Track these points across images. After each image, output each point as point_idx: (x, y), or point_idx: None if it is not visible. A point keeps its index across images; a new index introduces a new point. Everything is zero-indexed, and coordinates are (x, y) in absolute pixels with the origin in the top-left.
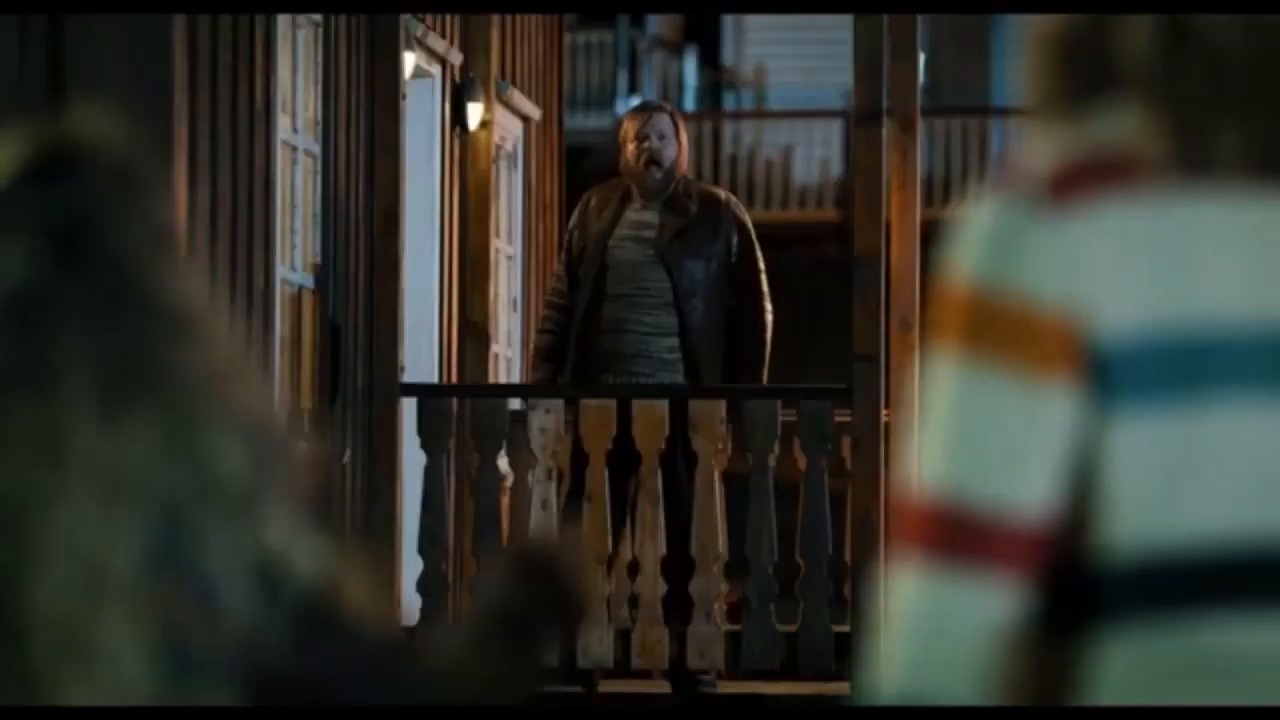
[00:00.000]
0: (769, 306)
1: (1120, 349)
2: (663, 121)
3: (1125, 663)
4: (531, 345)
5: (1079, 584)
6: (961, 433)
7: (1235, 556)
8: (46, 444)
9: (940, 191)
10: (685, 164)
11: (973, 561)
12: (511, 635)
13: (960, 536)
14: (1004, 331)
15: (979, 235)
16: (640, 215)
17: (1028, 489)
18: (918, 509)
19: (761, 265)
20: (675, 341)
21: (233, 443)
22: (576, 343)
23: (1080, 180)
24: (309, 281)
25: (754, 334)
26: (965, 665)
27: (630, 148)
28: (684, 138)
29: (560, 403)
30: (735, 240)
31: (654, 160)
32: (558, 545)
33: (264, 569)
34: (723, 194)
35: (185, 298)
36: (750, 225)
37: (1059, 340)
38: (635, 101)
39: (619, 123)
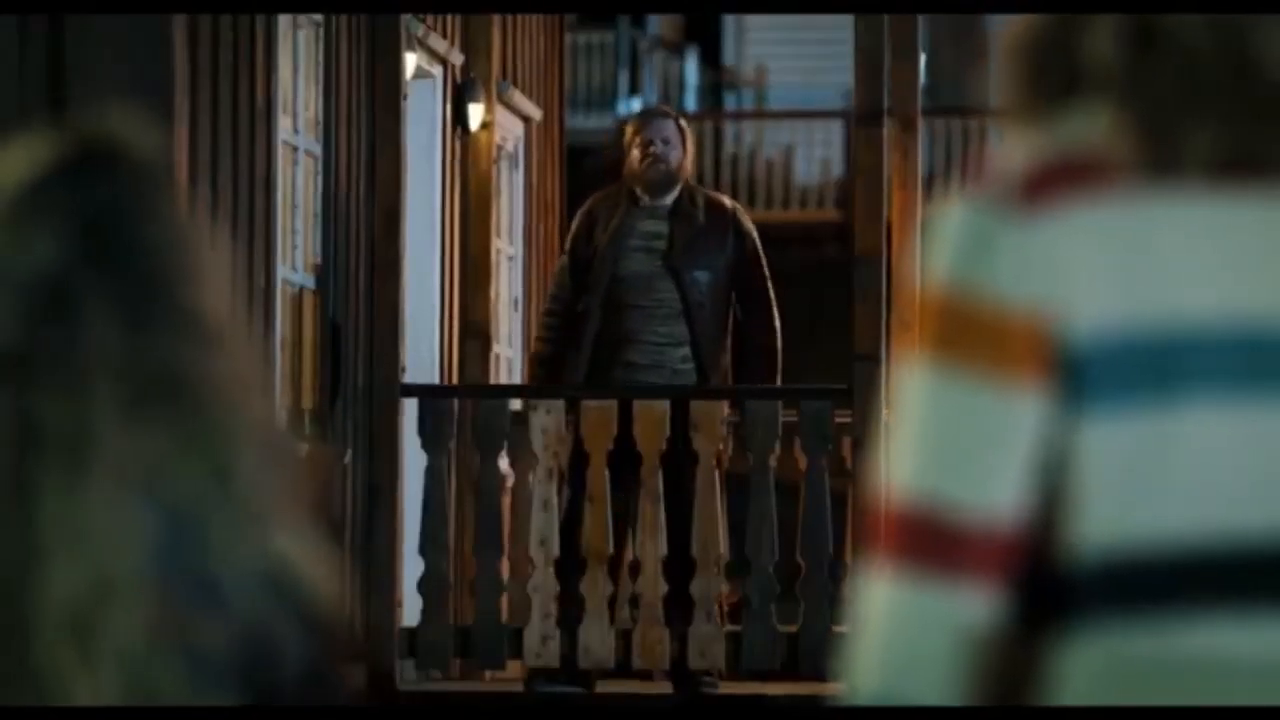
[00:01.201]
0: (776, 314)
1: (1092, 350)
2: (667, 126)
3: (1093, 662)
4: (531, 353)
5: (1048, 584)
6: (932, 437)
7: (1204, 556)
8: (67, 437)
9: (941, 191)
10: (689, 169)
11: (944, 567)
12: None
13: (931, 542)
14: (974, 335)
15: (951, 238)
16: (649, 225)
17: (998, 493)
18: (889, 514)
19: (767, 274)
20: (687, 351)
21: (248, 451)
22: (590, 353)
23: (1051, 182)
24: (310, 282)
25: (765, 345)
26: (937, 670)
27: (635, 152)
28: (689, 144)
29: (561, 403)
30: (742, 250)
31: (659, 162)
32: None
33: (270, 578)
34: (729, 202)
35: (209, 303)
36: (756, 235)
37: (1029, 342)
38: (636, 102)
39: (621, 128)
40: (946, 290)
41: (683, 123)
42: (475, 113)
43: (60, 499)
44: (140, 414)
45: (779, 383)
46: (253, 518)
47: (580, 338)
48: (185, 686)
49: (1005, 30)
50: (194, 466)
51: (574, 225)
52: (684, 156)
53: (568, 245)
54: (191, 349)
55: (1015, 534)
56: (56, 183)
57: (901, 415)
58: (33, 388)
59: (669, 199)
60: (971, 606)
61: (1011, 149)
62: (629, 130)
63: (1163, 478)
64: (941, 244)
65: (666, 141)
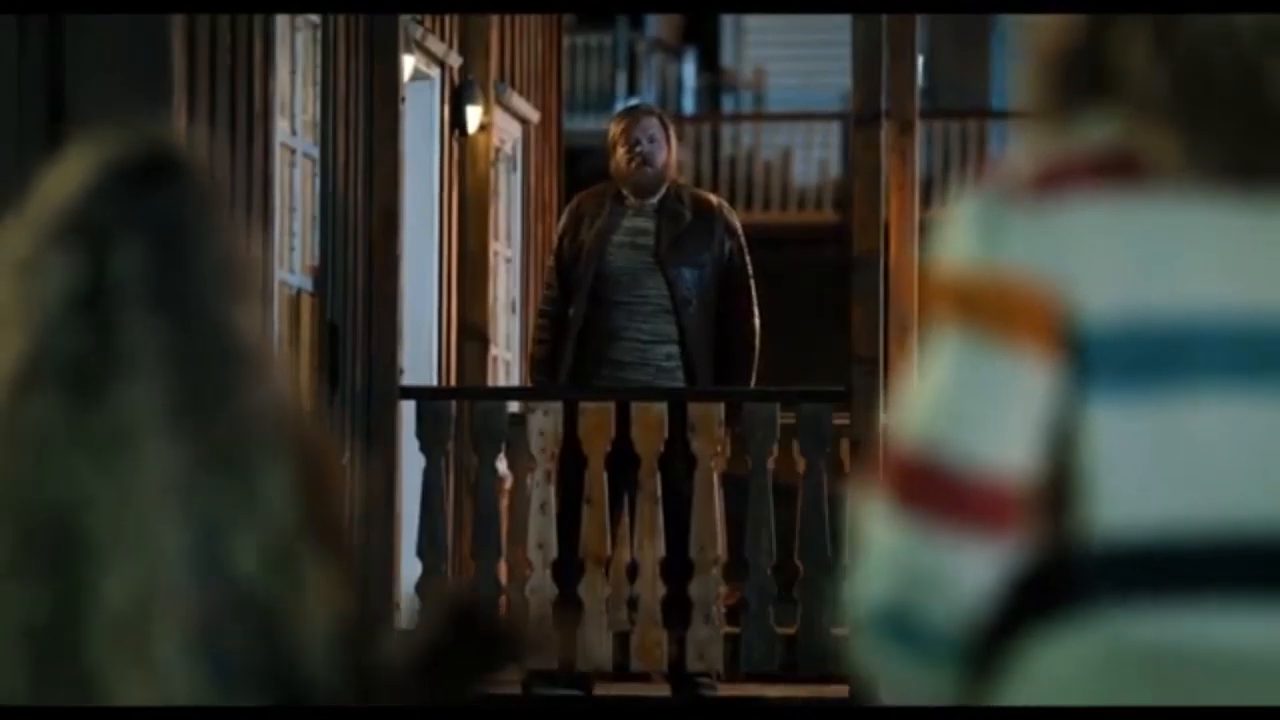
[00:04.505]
0: (757, 312)
1: (1098, 333)
2: (651, 124)
3: (1099, 648)
4: (528, 355)
5: (1053, 568)
6: (942, 393)
7: (1208, 546)
8: (115, 447)
9: (939, 193)
10: (675, 167)
11: (942, 516)
12: (441, 678)
13: (932, 489)
14: (984, 303)
15: (965, 224)
16: (635, 222)
17: (1001, 448)
18: (897, 461)
19: (750, 272)
20: (674, 349)
21: (281, 476)
22: (574, 350)
23: (1061, 178)
24: (308, 284)
25: (743, 342)
26: (939, 605)
27: (620, 151)
28: (673, 141)
29: (559, 405)
30: (728, 247)
31: (646, 162)
32: (482, 601)
33: (292, 594)
34: (715, 199)
35: (250, 321)
36: (741, 232)
37: (1038, 314)
38: (633, 103)
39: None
40: (962, 267)
41: (667, 120)
42: (473, 115)
43: (113, 505)
44: (179, 425)
45: (753, 382)
46: (278, 532)
47: (565, 333)
48: (211, 693)
49: (1035, 33)
50: (224, 484)
51: (561, 223)
52: (669, 154)
53: (554, 244)
54: (236, 371)
55: (1017, 491)
56: (125, 188)
57: (916, 377)
58: (88, 394)
59: (655, 198)
60: (971, 558)
61: (1027, 149)
62: (613, 129)
63: (1168, 467)
64: (955, 230)
65: (652, 140)
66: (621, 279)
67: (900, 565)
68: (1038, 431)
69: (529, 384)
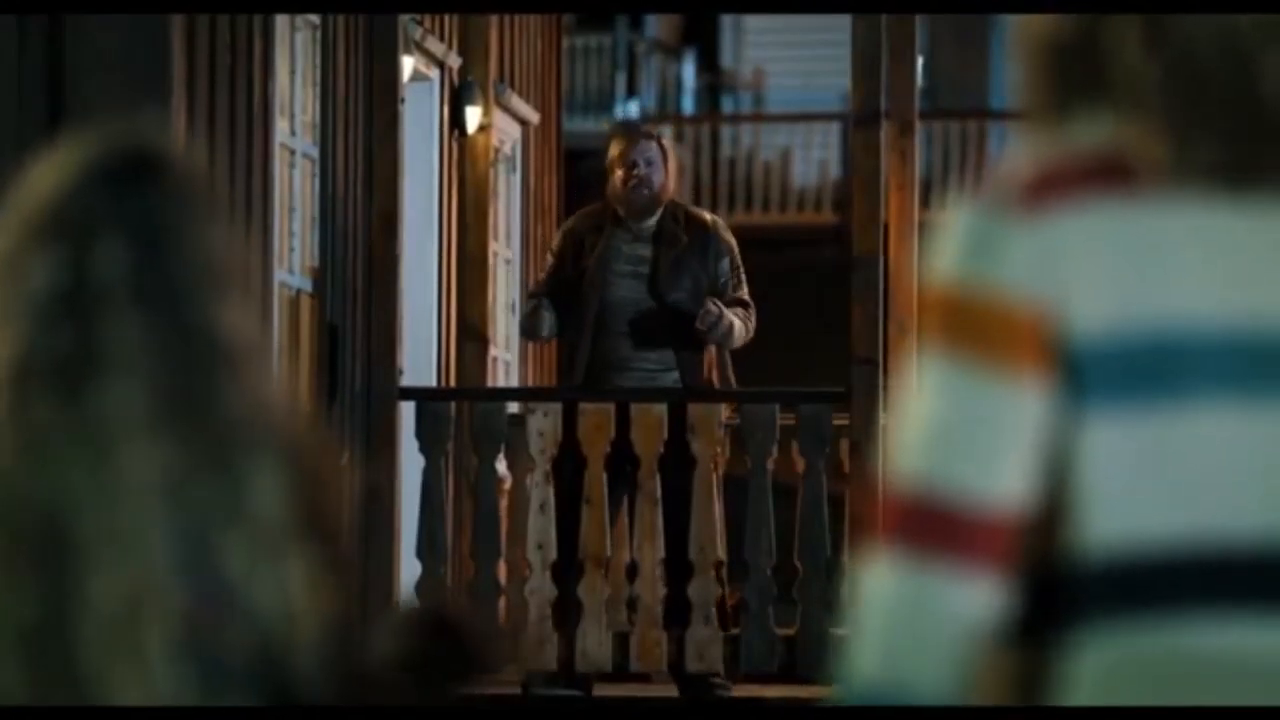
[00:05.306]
0: (753, 315)
1: (1091, 349)
2: (650, 148)
3: (1103, 662)
4: (526, 307)
5: (1052, 584)
6: (933, 425)
7: (1208, 557)
8: (100, 446)
9: (939, 194)
10: (673, 189)
11: (945, 550)
12: (414, 686)
13: (933, 524)
14: (979, 327)
15: (957, 235)
16: (634, 249)
17: (997, 480)
18: (890, 500)
19: (745, 282)
20: (677, 375)
21: (269, 477)
22: (584, 379)
23: (1056, 184)
24: (307, 285)
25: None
26: (936, 653)
27: (618, 173)
28: (671, 164)
29: (559, 406)
30: (724, 264)
31: (642, 185)
32: (458, 610)
33: (281, 596)
34: (709, 217)
35: (239, 320)
36: (736, 249)
37: (1030, 336)
38: (634, 105)
39: (607, 143)
40: (953, 285)
41: (665, 142)
42: (473, 115)
43: (99, 505)
44: (167, 427)
45: (734, 336)
46: (266, 534)
47: (572, 363)
48: (199, 692)
49: (1027, 31)
50: (212, 484)
51: (557, 245)
52: (666, 178)
53: (550, 263)
54: (221, 370)
55: (1014, 523)
56: (108, 186)
57: (906, 405)
58: (73, 394)
59: (652, 220)
60: (971, 592)
61: (1022, 150)
62: (612, 151)
63: (1167, 479)
64: (948, 243)
65: (650, 163)
66: (626, 309)
67: (894, 615)
68: (1032, 456)
69: (531, 314)
